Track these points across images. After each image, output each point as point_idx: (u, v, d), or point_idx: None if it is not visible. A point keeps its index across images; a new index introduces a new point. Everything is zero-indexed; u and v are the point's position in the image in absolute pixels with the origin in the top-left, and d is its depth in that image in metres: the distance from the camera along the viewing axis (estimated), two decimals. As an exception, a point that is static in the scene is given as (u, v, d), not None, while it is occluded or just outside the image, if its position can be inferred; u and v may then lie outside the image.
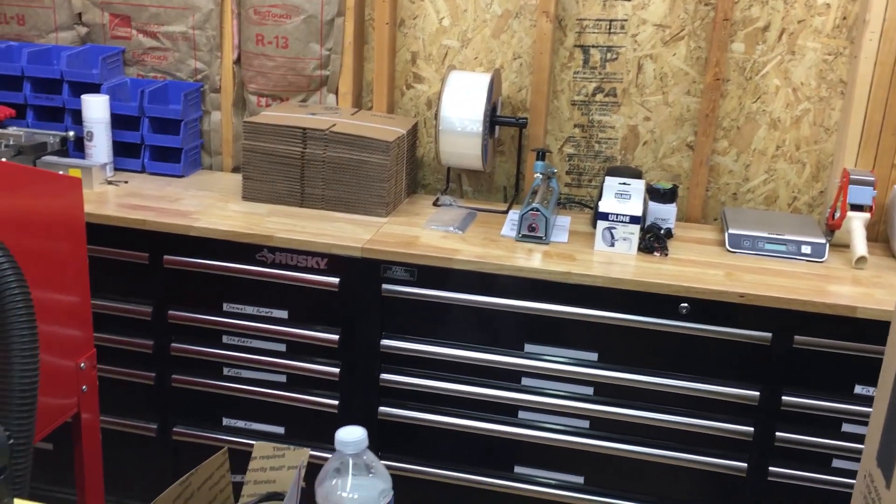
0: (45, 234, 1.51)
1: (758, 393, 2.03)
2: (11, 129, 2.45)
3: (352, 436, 0.93)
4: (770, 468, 2.07)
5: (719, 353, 2.03)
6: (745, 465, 2.08)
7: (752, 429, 2.05)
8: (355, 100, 2.61)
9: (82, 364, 1.62)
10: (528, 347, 2.12)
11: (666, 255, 2.16)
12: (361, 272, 2.14)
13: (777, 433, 2.05)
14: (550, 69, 2.45)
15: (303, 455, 1.39)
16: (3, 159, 2.27)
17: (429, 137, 2.62)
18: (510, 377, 2.14)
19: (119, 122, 2.54)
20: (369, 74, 2.61)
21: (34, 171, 1.51)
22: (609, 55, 2.44)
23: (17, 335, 1.21)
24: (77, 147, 2.53)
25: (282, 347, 2.25)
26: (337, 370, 2.22)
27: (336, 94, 2.59)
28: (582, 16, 2.43)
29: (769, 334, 1.98)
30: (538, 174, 2.31)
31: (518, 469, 2.21)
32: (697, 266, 2.10)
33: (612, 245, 2.16)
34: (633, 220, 2.13)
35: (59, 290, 1.56)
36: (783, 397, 2.02)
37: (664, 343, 2.04)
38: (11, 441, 0.95)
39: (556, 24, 2.43)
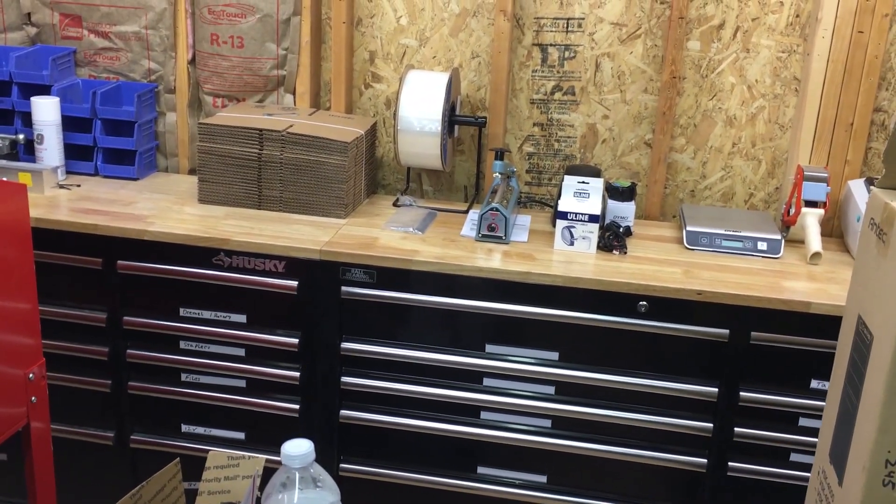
0: (-10, 241, 1.46)
1: (716, 389, 2.04)
2: (-42, 133, 2.39)
3: (298, 449, 0.91)
4: (729, 463, 2.09)
5: (678, 351, 2.04)
6: (705, 461, 2.09)
7: (711, 425, 2.07)
8: (313, 100, 2.58)
9: (31, 374, 1.58)
10: (490, 348, 2.12)
11: (625, 253, 2.16)
12: (320, 275, 2.12)
13: (736, 429, 2.07)
14: (509, 68, 2.45)
15: (258, 464, 1.37)
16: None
17: (388, 137, 2.60)
18: (472, 378, 2.14)
19: (71, 124, 2.49)
20: (327, 74, 2.58)
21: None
22: (567, 54, 2.44)
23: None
24: (27, 150, 2.48)
25: (241, 352, 2.23)
26: (297, 374, 2.20)
27: (293, 94, 2.57)
28: (539, 14, 2.42)
29: (727, 331, 2.00)
30: (497, 174, 2.31)
31: (481, 470, 2.20)
32: (656, 264, 2.11)
33: (572, 244, 2.16)
34: (592, 218, 2.14)
35: (5, 299, 1.52)
36: (741, 393, 2.04)
37: (624, 341, 2.05)
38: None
39: (514, 23, 2.42)
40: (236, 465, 1.37)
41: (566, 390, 2.10)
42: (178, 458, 1.37)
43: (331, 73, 2.54)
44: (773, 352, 2.00)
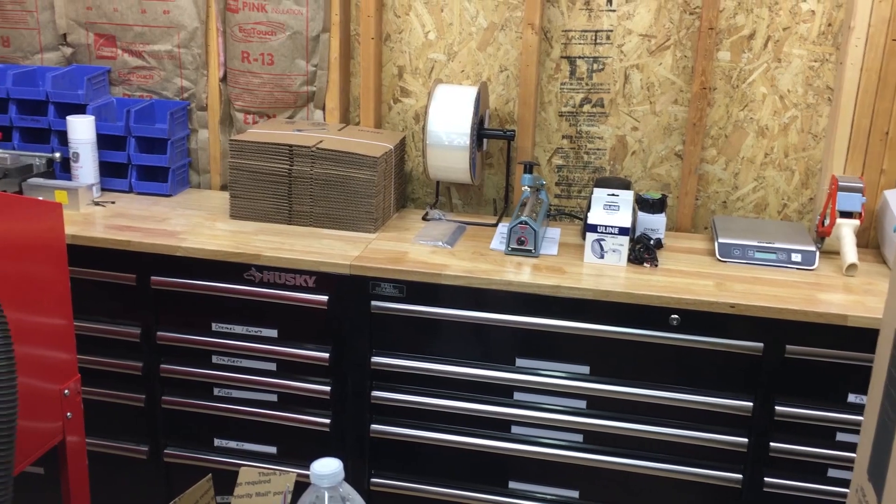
0: (25, 259, 1.49)
1: (751, 403, 2.01)
2: (-3, 152, 2.44)
3: (327, 468, 0.91)
4: (765, 479, 2.05)
5: (711, 364, 2.01)
6: (740, 476, 2.06)
7: (745, 439, 2.04)
8: (342, 115, 2.60)
9: (66, 390, 1.60)
10: (520, 362, 2.11)
11: (656, 265, 2.14)
12: (350, 289, 2.13)
13: (771, 443, 2.03)
14: (537, 81, 2.45)
15: (288, 480, 1.37)
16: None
17: (417, 151, 2.61)
18: (502, 392, 2.13)
19: (105, 142, 2.53)
20: (356, 89, 2.60)
21: (13, 197, 1.50)
22: (595, 66, 2.44)
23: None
24: (63, 168, 2.52)
25: (272, 366, 2.24)
26: (328, 388, 2.21)
27: (323, 109, 2.59)
28: (567, 27, 2.42)
29: (761, 344, 1.97)
30: (526, 187, 2.30)
31: (512, 484, 2.19)
32: (688, 276, 2.09)
33: (602, 257, 2.14)
34: (622, 231, 2.12)
35: (41, 315, 1.54)
36: (776, 407, 2.01)
37: (656, 355, 2.03)
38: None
39: (542, 36, 2.42)
40: (267, 481, 1.38)
41: (598, 404, 2.09)
42: (211, 474, 1.38)
43: (360, 89, 2.56)
44: (809, 365, 1.97)
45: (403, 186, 2.60)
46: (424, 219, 2.47)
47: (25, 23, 2.64)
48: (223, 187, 2.68)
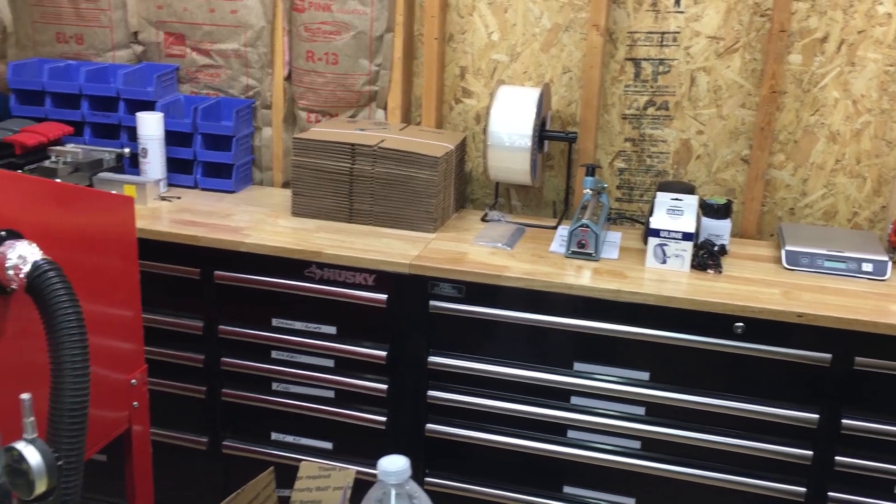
0: (98, 251, 1.53)
1: (817, 416, 1.96)
2: (69, 147, 2.51)
3: (394, 465, 0.92)
4: (829, 493, 2.00)
5: (776, 374, 1.97)
6: (804, 489, 2.01)
7: (810, 452, 1.99)
8: (404, 115, 2.61)
9: (133, 380, 1.64)
10: (578, 366, 2.09)
11: (720, 272, 2.10)
12: (409, 288, 2.13)
13: (837, 457, 1.98)
14: (601, 83, 2.42)
15: (348, 476, 1.38)
16: (60, 178, 2.33)
17: (477, 152, 2.61)
18: (559, 395, 2.11)
19: (173, 138, 2.58)
20: (418, 89, 2.61)
21: (87, 190, 1.54)
22: (661, 68, 2.40)
23: (68, 354, 1.23)
24: (132, 163, 2.58)
25: (330, 363, 2.26)
26: (384, 386, 2.22)
27: (385, 109, 2.60)
28: (633, 29, 2.39)
29: (829, 355, 1.92)
30: (588, 190, 2.28)
31: (567, 489, 2.17)
32: (753, 284, 2.05)
33: (664, 262, 2.11)
34: (686, 236, 2.09)
35: (112, 306, 1.58)
36: (843, 420, 1.95)
37: (718, 363, 1.99)
38: (61, 462, 0.95)
39: (607, 38, 2.40)
40: (327, 476, 1.39)
41: (657, 411, 2.06)
42: (273, 467, 1.40)
43: (422, 89, 2.57)
44: (878, 378, 1.91)
45: (463, 187, 2.60)
46: (483, 220, 2.46)
47: (99, 21, 2.72)
48: (285, 184, 2.71)
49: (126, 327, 1.63)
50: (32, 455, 0.94)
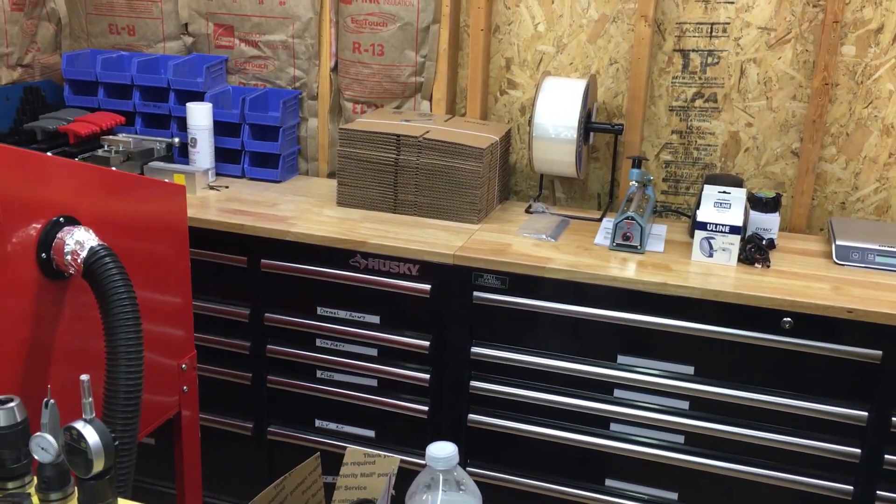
0: (151, 238, 1.56)
1: (866, 413, 1.93)
2: (121, 136, 2.56)
3: (443, 451, 0.93)
4: (878, 492, 1.97)
5: (824, 371, 1.94)
6: (851, 488, 1.98)
7: (858, 450, 1.95)
8: (449, 106, 2.61)
9: (183, 365, 1.67)
10: (622, 359, 2.08)
11: (768, 266, 2.08)
12: (453, 279, 2.14)
13: (886, 455, 1.94)
14: (648, 74, 2.40)
15: (393, 463, 1.39)
16: (114, 166, 2.38)
17: (521, 144, 2.60)
18: (602, 388, 2.10)
19: (221, 128, 2.62)
20: (463, 80, 2.61)
21: (141, 178, 1.58)
22: (710, 59, 2.37)
23: (123, 338, 1.26)
24: (181, 153, 2.63)
25: (373, 352, 2.28)
26: (427, 376, 2.23)
27: (430, 100, 2.61)
28: (682, 19, 2.36)
29: (879, 352, 1.88)
30: (634, 182, 2.26)
31: (609, 482, 2.16)
32: (802, 279, 2.02)
33: (711, 255, 2.09)
34: (734, 230, 2.06)
35: (163, 293, 1.62)
36: (893, 418, 1.91)
37: (765, 358, 1.97)
38: (117, 442, 0.98)
39: (655, 29, 2.37)
40: (372, 463, 1.40)
41: (701, 406, 2.04)
42: (319, 453, 1.41)
43: (467, 80, 2.57)
44: (931, 377, 1.87)
45: (507, 178, 2.60)
46: (527, 211, 2.46)
47: (150, 13, 2.76)
48: (330, 175, 2.74)
49: (177, 313, 1.66)
50: (91, 434, 0.96)
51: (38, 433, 0.99)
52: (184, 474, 1.74)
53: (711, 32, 2.35)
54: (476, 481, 2.33)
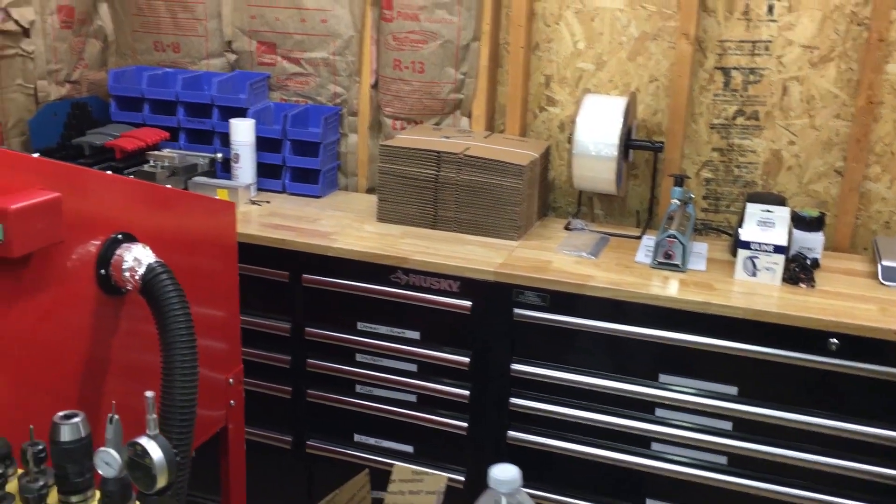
0: (202, 254, 1.59)
1: (914, 436, 1.90)
2: (166, 151, 2.60)
3: (506, 474, 0.93)
4: (927, 518, 1.94)
5: (871, 393, 1.91)
6: (899, 512, 1.95)
7: (906, 474, 1.93)
8: (488, 123, 2.63)
9: (231, 379, 1.69)
10: (663, 378, 2.07)
11: (812, 286, 2.06)
12: (493, 296, 2.15)
13: (935, 481, 1.91)
14: (689, 92, 2.40)
15: (441, 482, 1.40)
16: (160, 181, 2.42)
17: (560, 160, 2.61)
18: (643, 407, 2.09)
19: (262, 144, 2.65)
20: (502, 97, 2.62)
21: (191, 195, 1.60)
22: (752, 77, 2.36)
23: (179, 355, 1.28)
24: (224, 168, 2.66)
25: (413, 367, 2.29)
26: (467, 392, 2.24)
27: (469, 117, 2.62)
28: (724, 37, 2.36)
29: (928, 375, 1.86)
30: (675, 200, 2.26)
31: (650, 502, 2.15)
32: (847, 299, 2.00)
33: (754, 275, 2.08)
34: (778, 249, 2.05)
35: (213, 308, 1.64)
36: (943, 442, 1.89)
37: (811, 379, 1.95)
38: (178, 458, 1.00)
39: (696, 46, 2.37)
40: (420, 481, 1.41)
41: (745, 427, 2.02)
42: (367, 469, 1.43)
43: (506, 97, 2.58)
44: (981, 400, 1.84)
45: (546, 195, 2.61)
46: (567, 228, 2.46)
47: (195, 31, 2.81)
48: (369, 190, 2.76)
49: (225, 328, 1.69)
50: (155, 450, 0.98)
51: (102, 448, 1.01)
52: (230, 487, 1.76)
53: (753, 50, 2.34)
54: (517, 499, 2.30)
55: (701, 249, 2.29)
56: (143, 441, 0.99)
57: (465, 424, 2.26)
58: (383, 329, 2.29)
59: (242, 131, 2.58)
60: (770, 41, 2.32)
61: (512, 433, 2.22)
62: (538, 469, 2.23)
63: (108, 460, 1.01)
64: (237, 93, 2.69)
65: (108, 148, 2.56)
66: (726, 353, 1.99)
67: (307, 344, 2.37)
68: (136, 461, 1.00)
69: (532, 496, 2.31)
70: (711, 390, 2.03)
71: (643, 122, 2.51)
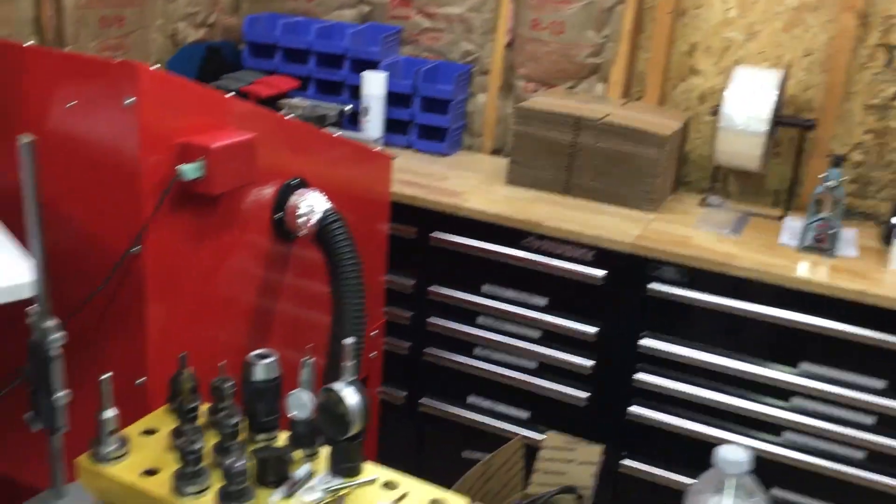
0: (360, 204, 1.58)
1: None
2: (296, 100, 2.60)
3: (735, 456, 0.89)
4: None
5: None
6: None
7: None
8: (624, 90, 2.55)
9: (374, 332, 1.69)
10: (804, 366, 1.99)
11: (975, 282, 1.94)
12: (628, 268, 2.09)
13: None
14: (847, 69, 2.27)
15: (593, 453, 1.38)
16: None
17: (696, 133, 2.51)
18: (779, 394, 2.02)
19: (391, 98, 2.63)
20: (641, 64, 2.53)
21: (358, 146, 1.59)
22: (918, 57, 2.22)
23: (350, 304, 1.28)
24: (351, 120, 2.65)
25: (536, 334, 2.25)
26: (590, 363, 2.19)
27: (605, 82, 2.55)
28: (892, 12, 2.22)
29: None
30: (829, 183, 2.15)
31: (778, 492, 2.08)
32: None
33: (912, 266, 1.97)
34: (941, 240, 1.94)
35: (367, 263, 1.63)
36: None
37: (968, 380, 1.85)
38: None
39: (860, 21, 2.24)
40: (572, 450, 1.39)
41: (890, 423, 1.93)
42: (520, 436, 1.41)
43: (645, 64, 2.49)
44: None
45: (680, 168, 2.52)
46: (702, 204, 2.38)
47: (330, -20, 2.79)
48: (494, 151, 2.72)
49: (374, 281, 1.68)
50: (351, 396, 0.97)
51: (295, 389, 1.01)
52: (362, 438, 1.76)
53: (924, 28, 2.20)
54: (629, 475, 2.28)
55: (849, 235, 2.18)
56: (338, 387, 0.98)
57: (585, 395, 2.22)
58: (510, 293, 2.26)
59: (374, 84, 2.56)
60: (943, 19, 2.18)
61: (633, 408, 2.18)
62: (657, 447, 2.18)
63: (302, 402, 1.00)
64: (370, 45, 2.67)
65: (242, 93, 2.57)
66: (878, 346, 1.89)
67: (429, 303, 2.36)
68: (329, 407, 0.99)
69: (647, 474, 2.28)
70: (856, 382, 1.95)
71: (792, 98, 2.39)
